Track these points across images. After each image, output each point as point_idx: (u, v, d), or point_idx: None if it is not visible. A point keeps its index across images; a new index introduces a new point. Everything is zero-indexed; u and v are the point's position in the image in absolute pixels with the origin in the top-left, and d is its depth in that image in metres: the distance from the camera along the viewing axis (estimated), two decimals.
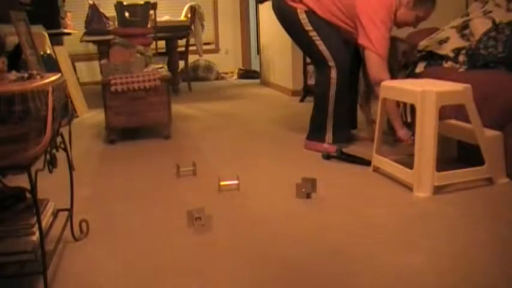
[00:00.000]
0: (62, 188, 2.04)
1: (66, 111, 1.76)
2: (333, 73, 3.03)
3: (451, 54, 3.13)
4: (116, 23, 5.55)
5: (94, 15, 5.64)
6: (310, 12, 3.03)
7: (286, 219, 2.11)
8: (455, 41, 3.20)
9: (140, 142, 3.65)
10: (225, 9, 8.22)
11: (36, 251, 1.50)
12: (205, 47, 7.13)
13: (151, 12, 5.61)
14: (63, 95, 1.73)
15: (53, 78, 1.62)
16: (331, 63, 3.03)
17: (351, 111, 3.38)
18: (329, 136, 3.13)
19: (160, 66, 4.28)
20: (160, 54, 6.07)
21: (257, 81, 7.26)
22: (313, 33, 3.03)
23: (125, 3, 5.29)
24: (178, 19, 6.45)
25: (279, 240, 1.89)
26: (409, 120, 3.16)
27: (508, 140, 2.45)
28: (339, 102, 3.08)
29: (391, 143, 3.19)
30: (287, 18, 3.12)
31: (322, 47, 3.02)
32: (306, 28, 3.03)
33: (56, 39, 5.17)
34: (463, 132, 2.51)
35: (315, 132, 3.17)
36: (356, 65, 3.24)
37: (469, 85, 2.35)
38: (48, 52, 4.46)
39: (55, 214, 1.81)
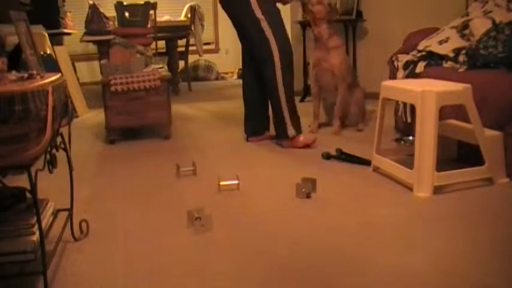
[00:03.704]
0: (62, 188, 2.04)
1: (66, 111, 1.76)
2: (278, 67, 3.13)
3: (451, 54, 3.13)
4: (116, 23, 5.55)
5: (94, 15, 5.63)
6: None
7: (286, 219, 2.11)
8: (455, 41, 3.20)
9: (140, 142, 3.65)
10: None
11: (36, 251, 1.49)
12: (205, 47, 7.12)
13: (151, 12, 5.61)
14: (63, 95, 1.73)
15: (53, 78, 1.62)
16: (276, 54, 3.11)
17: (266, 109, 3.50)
18: (291, 130, 3.22)
19: (160, 66, 4.28)
20: (160, 54, 6.07)
21: None
22: (263, 22, 3.07)
23: (125, 3, 5.29)
24: (178, 19, 6.45)
25: (279, 240, 1.89)
26: (409, 120, 3.16)
27: (508, 140, 2.45)
28: (289, 93, 3.22)
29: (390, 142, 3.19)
30: (237, 5, 3.14)
31: (270, 36, 3.09)
32: (258, 16, 3.07)
33: (56, 39, 5.17)
34: (463, 132, 2.51)
35: (280, 130, 3.26)
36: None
37: (469, 85, 2.35)
38: (48, 52, 4.46)
39: (55, 214, 1.81)
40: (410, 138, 3.08)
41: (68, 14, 5.68)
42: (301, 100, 5.19)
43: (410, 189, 2.36)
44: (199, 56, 6.89)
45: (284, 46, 3.16)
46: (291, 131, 3.22)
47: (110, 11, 5.87)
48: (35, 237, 1.51)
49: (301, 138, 3.25)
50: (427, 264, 1.66)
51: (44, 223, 1.62)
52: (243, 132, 3.54)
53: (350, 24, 5.08)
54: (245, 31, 3.22)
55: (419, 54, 3.32)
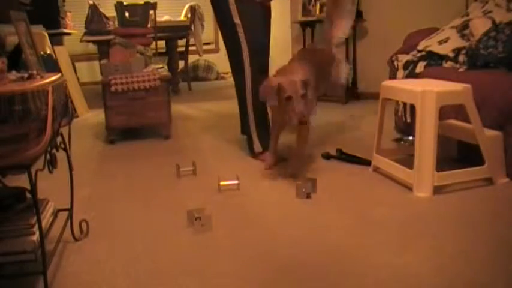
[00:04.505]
0: (62, 188, 2.04)
1: (66, 111, 1.76)
2: (248, 77, 2.93)
3: (451, 54, 3.13)
4: (116, 23, 5.55)
5: (94, 15, 5.64)
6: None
7: (286, 219, 2.11)
8: (455, 41, 3.20)
9: (140, 142, 3.65)
10: None
11: (36, 251, 1.49)
12: (205, 47, 7.11)
13: (151, 12, 5.61)
14: (63, 95, 1.73)
15: (53, 78, 1.62)
16: (247, 63, 2.92)
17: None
18: (257, 145, 3.03)
19: (160, 66, 4.28)
20: (160, 54, 6.07)
21: None
22: (239, 27, 2.88)
23: (125, 3, 5.29)
24: (178, 19, 6.45)
25: (279, 240, 1.89)
26: (409, 120, 3.16)
27: (508, 140, 2.45)
28: (258, 107, 2.98)
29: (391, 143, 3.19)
30: (217, 3, 2.99)
31: (243, 43, 2.89)
32: (234, 19, 2.88)
33: (56, 39, 5.17)
34: (463, 132, 2.51)
35: (248, 143, 3.09)
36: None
37: (469, 85, 2.35)
38: (48, 52, 4.46)
39: (55, 214, 1.81)
40: (410, 138, 3.08)
41: (68, 14, 5.68)
42: None
43: (410, 189, 2.36)
44: (199, 56, 6.89)
45: (256, 56, 2.94)
46: (257, 146, 3.02)
47: (110, 11, 5.87)
48: (35, 237, 1.51)
49: (267, 154, 2.94)
50: (427, 264, 1.66)
51: (44, 223, 1.62)
52: None
53: None
54: (223, 33, 3.09)
55: (419, 54, 3.32)
